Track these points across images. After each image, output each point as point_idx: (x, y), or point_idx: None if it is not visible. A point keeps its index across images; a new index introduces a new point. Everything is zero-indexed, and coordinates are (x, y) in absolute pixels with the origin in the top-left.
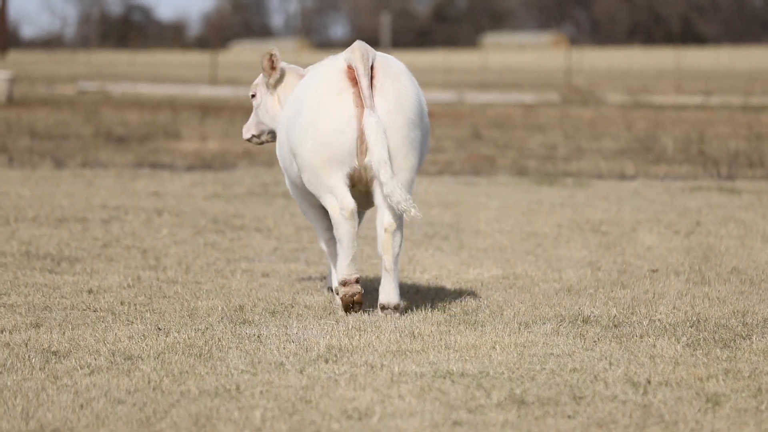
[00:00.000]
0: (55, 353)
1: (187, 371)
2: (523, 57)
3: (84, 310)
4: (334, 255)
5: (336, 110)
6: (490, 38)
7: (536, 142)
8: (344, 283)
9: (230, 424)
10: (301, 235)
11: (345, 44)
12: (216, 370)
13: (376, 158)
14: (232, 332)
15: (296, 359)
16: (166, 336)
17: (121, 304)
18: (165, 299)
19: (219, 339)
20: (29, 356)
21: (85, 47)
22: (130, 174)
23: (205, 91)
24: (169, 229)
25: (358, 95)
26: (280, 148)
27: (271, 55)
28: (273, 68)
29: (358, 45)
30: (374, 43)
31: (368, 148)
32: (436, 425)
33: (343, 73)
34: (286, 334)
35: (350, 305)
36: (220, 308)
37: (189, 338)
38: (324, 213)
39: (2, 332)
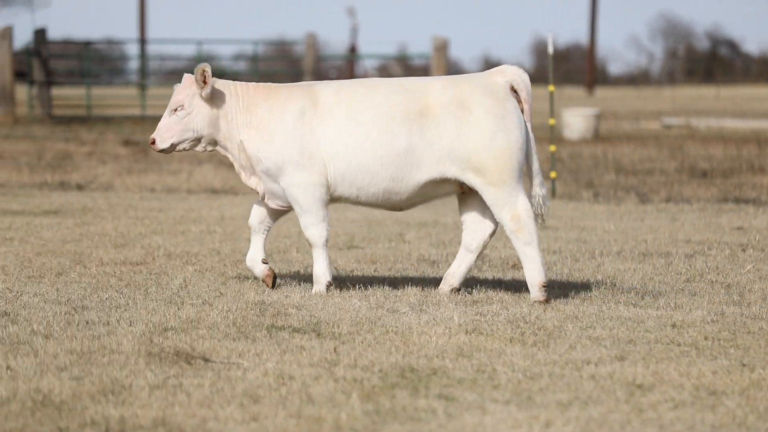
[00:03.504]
0: (639, 386)
1: None
2: None
3: (668, 344)
4: (324, 251)
5: (521, 121)
6: None
7: None
8: (546, 285)
9: None
10: None
11: None
12: None
13: (537, 166)
14: None
15: None
16: (751, 372)
17: (705, 338)
18: (749, 335)
19: None
20: (614, 389)
21: (671, 83)
22: (713, 209)
23: None
24: (753, 264)
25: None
26: (287, 151)
27: (203, 71)
28: (205, 82)
29: (516, 68)
30: None
31: (528, 154)
32: None
33: (510, 91)
34: None
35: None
36: None
37: None
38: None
39: (588, 364)
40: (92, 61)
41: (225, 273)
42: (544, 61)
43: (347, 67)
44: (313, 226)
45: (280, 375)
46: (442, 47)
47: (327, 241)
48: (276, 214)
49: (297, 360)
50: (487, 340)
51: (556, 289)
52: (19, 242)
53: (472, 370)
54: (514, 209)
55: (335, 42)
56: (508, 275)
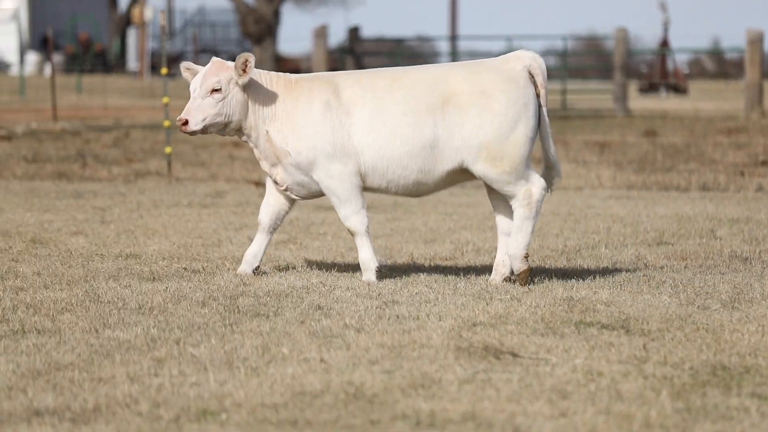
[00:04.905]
0: None
1: None
2: None
3: None
4: (368, 238)
5: (537, 108)
6: None
7: None
8: (527, 256)
9: None
10: None
11: None
12: None
13: (554, 150)
14: None
15: None
16: None
17: None
18: None
19: None
20: None
21: None
22: None
23: None
24: None
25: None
26: (318, 144)
27: (246, 60)
28: (245, 71)
29: (532, 53)
30: None
31: (544, 138)
32: None
33: (528, 76)
34: None
35: (528, 275)
36: None
37: None
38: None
39: None
40: (404, 58)
41: (533, 269)
42: None
43: (658, 62)
44: (354, 214)
45: (589, 371)
46: (756, 40)
47: (368, 227)
48: (287, 210)
49: (606, 356)
50: None
51: None
52: (332, 237)
53: None
54: (528, 186)
55: (646, 36)
56: None
